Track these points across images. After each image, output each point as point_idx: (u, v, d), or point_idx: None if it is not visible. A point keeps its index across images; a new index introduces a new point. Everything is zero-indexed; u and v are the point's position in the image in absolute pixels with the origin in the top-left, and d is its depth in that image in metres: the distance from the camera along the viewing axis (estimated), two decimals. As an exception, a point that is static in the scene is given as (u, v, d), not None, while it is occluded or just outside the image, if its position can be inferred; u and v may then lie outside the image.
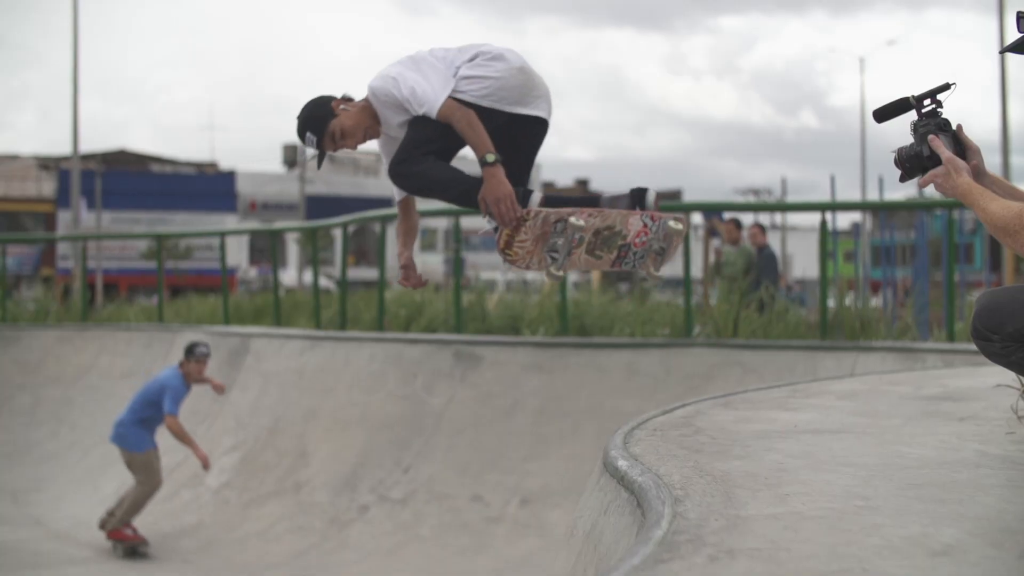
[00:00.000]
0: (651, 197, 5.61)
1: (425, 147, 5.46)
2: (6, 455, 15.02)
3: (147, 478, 11.27)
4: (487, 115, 5.38)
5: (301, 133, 5.62)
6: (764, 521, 2.94)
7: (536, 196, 5.44)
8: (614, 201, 5.62)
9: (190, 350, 11.59)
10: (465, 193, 5.56)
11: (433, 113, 5.34)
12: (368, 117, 5.60)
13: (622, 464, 3.70)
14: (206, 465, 11.22)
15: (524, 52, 5.71)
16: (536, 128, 5.63)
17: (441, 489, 10.63)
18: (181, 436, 11.16)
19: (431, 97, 5.36)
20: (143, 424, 11.35)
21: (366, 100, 5.58)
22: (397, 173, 5.55)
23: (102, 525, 11.35)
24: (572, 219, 5.31)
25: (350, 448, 11.50)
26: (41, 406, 15.86)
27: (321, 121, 5.56)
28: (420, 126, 5.45)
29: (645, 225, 5.56)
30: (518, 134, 5.58)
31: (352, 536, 10.52)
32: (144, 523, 11.52)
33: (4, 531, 12.26)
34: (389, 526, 10.49)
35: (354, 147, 5.72)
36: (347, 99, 5.64)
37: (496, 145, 5.38)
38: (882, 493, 3.30)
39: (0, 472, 14.53)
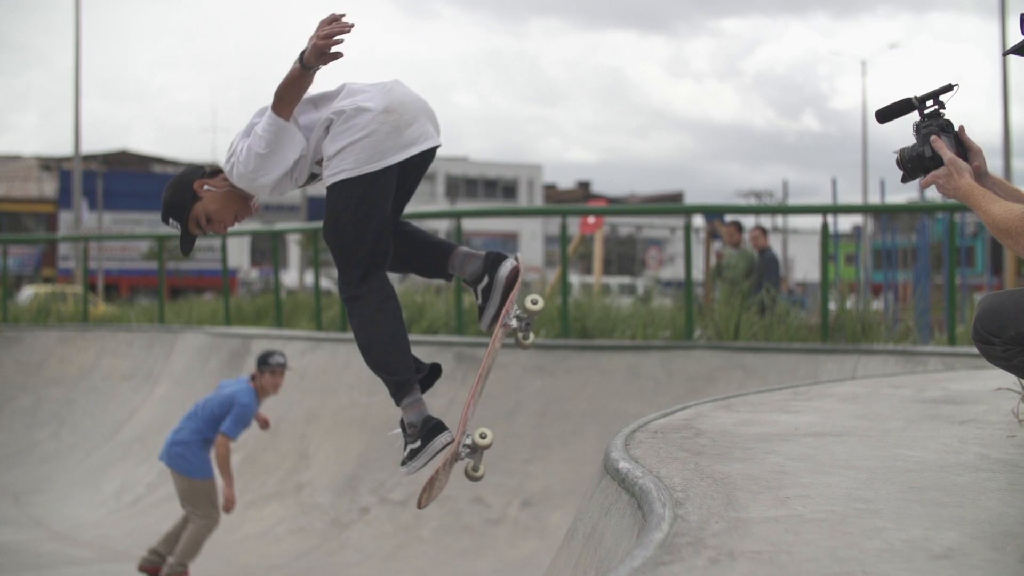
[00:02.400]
0: (505, 270, 5.07)
1: (366, 261, 4.97)
2: (7, 456, 15.02)
3: (207, 511, 9.72)
4: (379, 177, 4.87)
5: (164, 219, 5.06)
6: (765, 524, 2.94)
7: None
8: (466, 260, 5.13)
9: (264, 360, 9.99)
10: (397, 386, 5.24)
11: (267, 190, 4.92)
12: (235, 200, 5.05)
13: (623, 466, 3.70)
14: (229, 507, 9.65)
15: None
16: (426, 155, 5.08)
17: (442, 491, 10.62)
18: (224, 465, 9.59)
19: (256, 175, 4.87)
20: (207, 446, 9.74)
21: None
22: (347, 305, 5.08)
23: (144, 567, 9.87)
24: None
25: (351, 450, 11.50)
26: (42, 407, 15.86)
27: (181, 208, 4.99)
28: (336, 219, 4.95)
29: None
30: (411, 172, 5.08)
31: (353, 537, 10.52)
32: (145, 524, 11.51)
33: (5, 532, 12.26)
34: (390, 528, 10.48)
35: (223, 231, 5.19)
36: (215, 172, 5.04)
37: (396, 195, 5.02)
38: (883, 496, 3.30)
39: (1, 473, 14.53)
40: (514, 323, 5.09)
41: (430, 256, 5.24)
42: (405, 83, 5.13)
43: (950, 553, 2.66)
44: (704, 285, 15.41)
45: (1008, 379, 5.09)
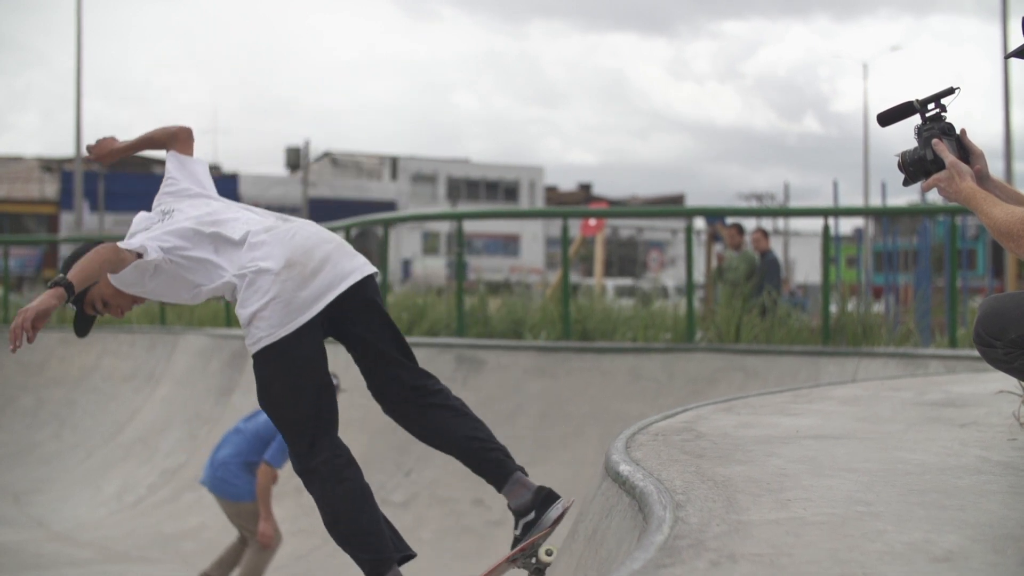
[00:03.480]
0: (554, 514, 4.75)
1: (311, 428, 4.80)
2: (8, 456, 15.02)
3: (243, 524, 9.25)
4: (299, 336, 4.64)
5: None
6: (766, 526, 2.94)
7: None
8: (515, 487, 4.84)
9: None
10: (372, 567, 4.79)
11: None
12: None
13: (624, 469, 3.70)
14: (265, 542, 9.06)
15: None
16: (363, 284, 4.80)
17: (443, 493, 10.62)
18: (264, 496, 8.94)
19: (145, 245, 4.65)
20: (251, 468, 9.10)
21: None
22: (303, 480, 4.86)
23: None
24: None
25: (351, 451, 11.48)
26: (43, 407, 15.88)
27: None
28: (268, 389, 4.74)
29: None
30: (353, 309, 4.86)
31: (353, 539, 10.51)
32: (146, 525, 11.51)
33: (6, 532, 12.27)
34: (390, 529, 10.48)
35: (121, 315, 5.03)
36: None
37: (342, 334, 4.89)
38: (884, 499, 3.30)
39: (2, 473, 14.54)
40: (529, 563, 4.84)
41: (485, 469, 4.97)
42: (309, 224, 4.86)
43: (951, 556, 2.66)
44: (705, 287, 15.42)
45: (1009, 382, 5.09)
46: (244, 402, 13.09)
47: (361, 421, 11.75)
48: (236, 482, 9.04)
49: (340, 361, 11.67)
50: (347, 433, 12.11)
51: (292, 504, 11.28)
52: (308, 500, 11.22)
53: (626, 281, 46.35)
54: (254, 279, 4.59)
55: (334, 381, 8.70)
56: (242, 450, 9.04)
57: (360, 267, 4.81)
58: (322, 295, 4.68)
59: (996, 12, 28.05)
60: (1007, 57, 3.91)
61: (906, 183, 4.03)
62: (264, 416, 8.72)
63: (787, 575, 2.52)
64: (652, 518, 3.06)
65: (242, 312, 4.62)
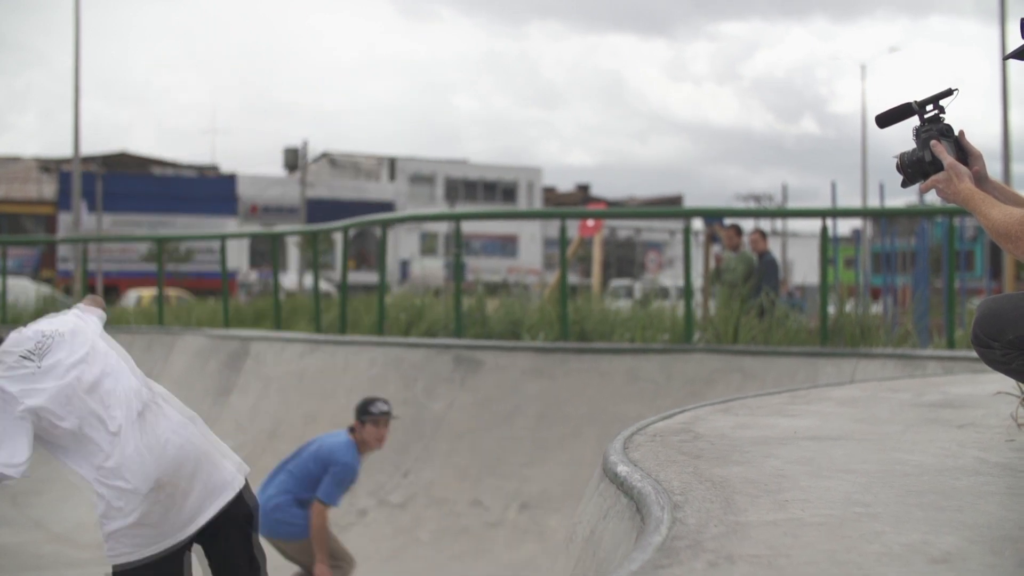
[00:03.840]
0: None
1: None
2: (6, 457, 15.01)
3: (336, 561, 8.52)
4: (161, 562, 4.40)
5: None
6: (764, 527, 2.94)
7: None
8: None
9: (364, 409, 8.63)
10: None
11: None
12: None
13: (622, 470, 3.70)
14: None
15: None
16: (222, 516, 4.55)
17: (440, 494, 10.62)
18: (319, 537, 8.24)
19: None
20: (302, 505, 8.41)
21: None
22: None
23: None
24: None
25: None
26: (41, 408, 15.86)
27: None
28: None
29: None
30: (222, 530, 4.61)
31: (351, 540, 10.51)
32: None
33: (4, 533, 12.26)
34: (388, 530, 10.48)
35: None
36: None
37: (200, 537, 4.58)
38: (882, 500, 3.30)
39: (0, 474, 14.52)
40: None
41: None
42: (174, 417, 4.59)
43: (949, 557, 2.66)
44: (703, 289, 15.43)
45: (1007, 383, 5.09)
46: (242, 402, 13.09)
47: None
48: (295, 520, 8.34)
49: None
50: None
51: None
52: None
53: (624, 281, 46.32)
54: (117, 498, 4.32)
55: (383, 407, 8.61)
56: (291, 488, 8.40)
57: (230, 482, 4.60)
58: (192, 520, 4.48)
59: (994, 13, 28.11)
60: (1006, 58, 3.91)
61: (904, 184, 4.03)
62: (310, 451, 8.51)
63: (785, 576, 2.52)
64: (650, 519, 3.06)
65: (104, 525, 4.38)
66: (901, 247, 17.66)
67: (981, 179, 3.91)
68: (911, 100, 3.95)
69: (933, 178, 3.88)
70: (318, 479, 8.33)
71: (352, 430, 8.59)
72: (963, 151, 3.92)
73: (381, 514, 10.66)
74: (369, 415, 8.56)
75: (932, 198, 13.06)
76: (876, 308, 14.45)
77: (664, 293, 26.31)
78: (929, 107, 3.93)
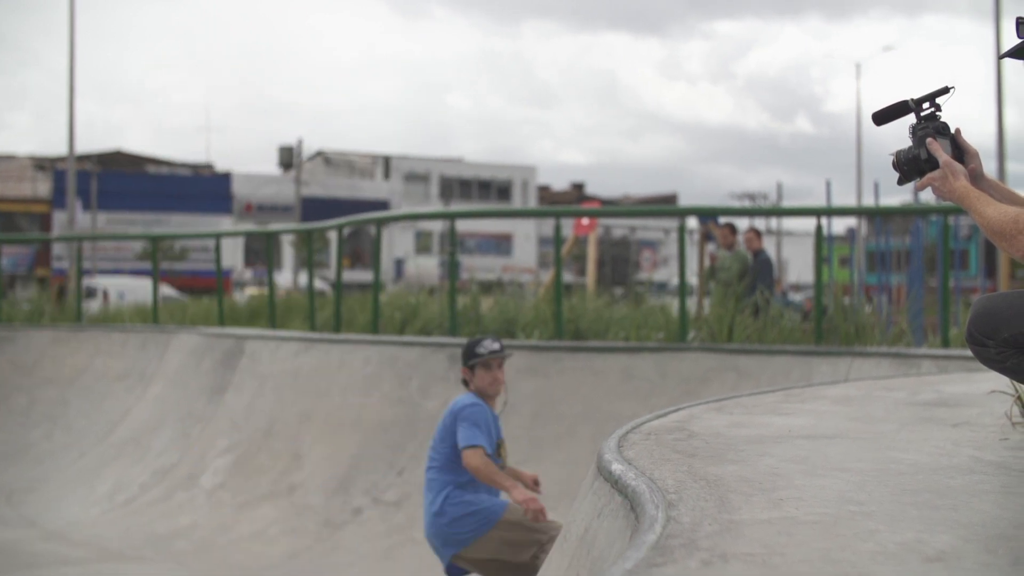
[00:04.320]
0: None
1: None
2: (1, 456, 15.00)
3: (533, 538, 7.25)
4: None
5: None
6: (758, 526, 2.94)
7: None
8: None
9: (470, 352, 7.59)
10: None
11: None
12: None
13: (616, 468, 3.69)
14: (534, 507, 7.22)
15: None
16: None
17: (435, 492, 10.60)
18: (488, 474, 7.16)
19: None
20: (467, 488, 7.39)
21: None
22: None
23: None
24: None
25: (344, 450, 11.49)
26: (36, 407, 15.85)
27: None
28: None
29: None
30: None
31: (346, 538, 10.51)
32: (139, 524, 11.49)
33: (-2, 532, 12.24)
34: (383, 528, 10.47)
35: None
36: None
37: None
38: (876, 498, 3.29)
39: (-6, 473, 14.52)
40: None
41: None
42: None
43: (943, 556, 2.65)
44: (698, 287, 15.44)
45: (1001, 381, 5.09)
46: (237, 401, 13.08)
47: (354, 421, 11.77)
48: (468, 510, 7.33)
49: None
50: (341, 433, 12.17)
51: (285, 504, 11.27)
52: (301, 499, 11.23)
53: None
54: None
55: (491, 346, 7.48)
56: (446, 479, 7.41)
57: None
58: None
59: (989, 12, 28.13)
60: (1001, 57, 3.92)
61: (900, 182, 4.03)
62: (438, 431, 7.50)
63: (779, 575, 2.52)
64: (644, 517, 3.05)
65: None
66: (896, 246, 17.67)
67: (977, 177, 3.91)
68: (908, 98, 3.95)
69: (929, 176, 3.89)
70: (454, 440, 7.34)
71: (466, 383, 7.61)
72: (959, 149, 3.92)
73: (376, 512, 10.65)
74: (476, 357, 7.52)
75: (927, 196, 13.07)
76: (869, 307, 14.46)
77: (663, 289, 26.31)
78: (925, 105, 3.94)
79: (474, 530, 7.28)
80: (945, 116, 3.92)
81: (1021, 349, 3.89)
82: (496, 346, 7.55)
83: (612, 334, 12.19)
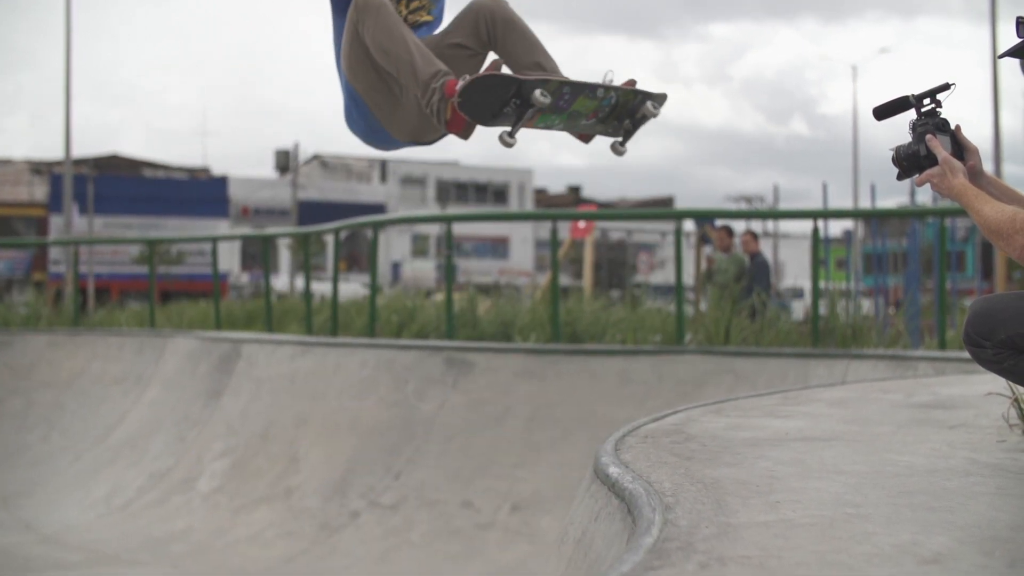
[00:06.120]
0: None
1: None
2: (-4, 459, 14.99)
3: None
4: None
5: None
6: (755, 528, 2.94)
7: None
8: None
9: None
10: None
11: None
12: None
13: (613, 471, 3.69)
14: None
15: None
16: None
17: (432, 495, 10.61)
18: None
19: None
20: None
21: None
22: None
23: None
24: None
25: (341, 454, 11.48)
26: (32, 410, 15.83)
27: None
28: None
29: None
30: None
31: (342, 542, 10.50)
32: (135, 527, 11.47)
33: (-6, 536, 12.23)
34: (379, 532, 10.47)
35: None
36: None
37: None
38: (872, 501, 3.29)
39: (-10, 476, 14.50)
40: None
41: None
42: None
43: (939, 558, 2.65)
44: (695, 290, 15.45)
45: (998, 383, 5.09)
46: (233, 405, 13.07)
47: (351, 425, 11.76)
48: None
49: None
50: (337, 437, 12.16)
51: (281, 508, 11.26)
52: (298, 503, 11.24)
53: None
54: None
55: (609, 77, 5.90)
56: None
57: None
58: None
59: (985, 14, 28.18)
60: (1000, 57, 3.92)
61: (900, 177, 4.05)
62: None
63: (776, 577, 2.52)
64: (641, 520, 3.05)
65: None
66: (892, 248, 17.68)
67: (976, 174, 3.92)
68: (908, 94, 3.96)
69: (927, 172, 3.90)
70: None
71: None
72: (959, 146, 3.93)
73: (372, 516, 10.64)
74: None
75: (924, 198, 13.05)
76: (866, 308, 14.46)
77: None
78: (926, 101, 3.94)
79: None
80: (945, 113, 3.93)
81: (1018, 350, 3.90)
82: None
83: (609, 337, 12.19)
